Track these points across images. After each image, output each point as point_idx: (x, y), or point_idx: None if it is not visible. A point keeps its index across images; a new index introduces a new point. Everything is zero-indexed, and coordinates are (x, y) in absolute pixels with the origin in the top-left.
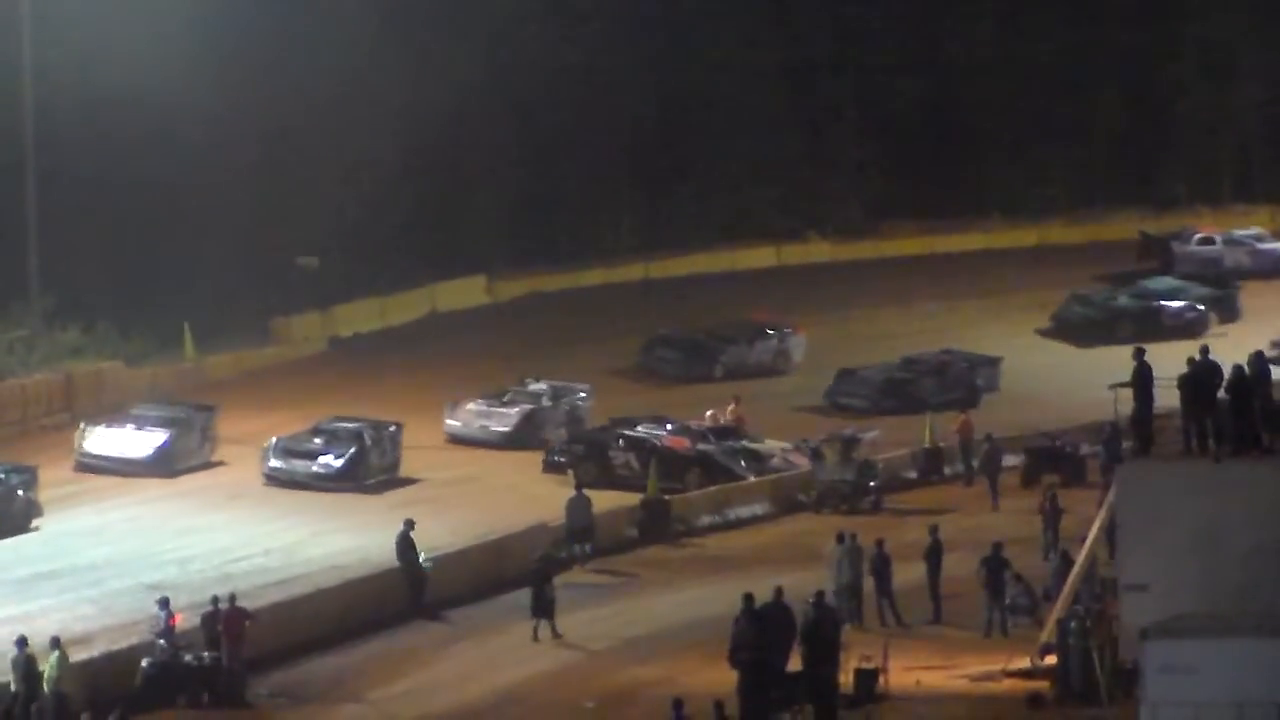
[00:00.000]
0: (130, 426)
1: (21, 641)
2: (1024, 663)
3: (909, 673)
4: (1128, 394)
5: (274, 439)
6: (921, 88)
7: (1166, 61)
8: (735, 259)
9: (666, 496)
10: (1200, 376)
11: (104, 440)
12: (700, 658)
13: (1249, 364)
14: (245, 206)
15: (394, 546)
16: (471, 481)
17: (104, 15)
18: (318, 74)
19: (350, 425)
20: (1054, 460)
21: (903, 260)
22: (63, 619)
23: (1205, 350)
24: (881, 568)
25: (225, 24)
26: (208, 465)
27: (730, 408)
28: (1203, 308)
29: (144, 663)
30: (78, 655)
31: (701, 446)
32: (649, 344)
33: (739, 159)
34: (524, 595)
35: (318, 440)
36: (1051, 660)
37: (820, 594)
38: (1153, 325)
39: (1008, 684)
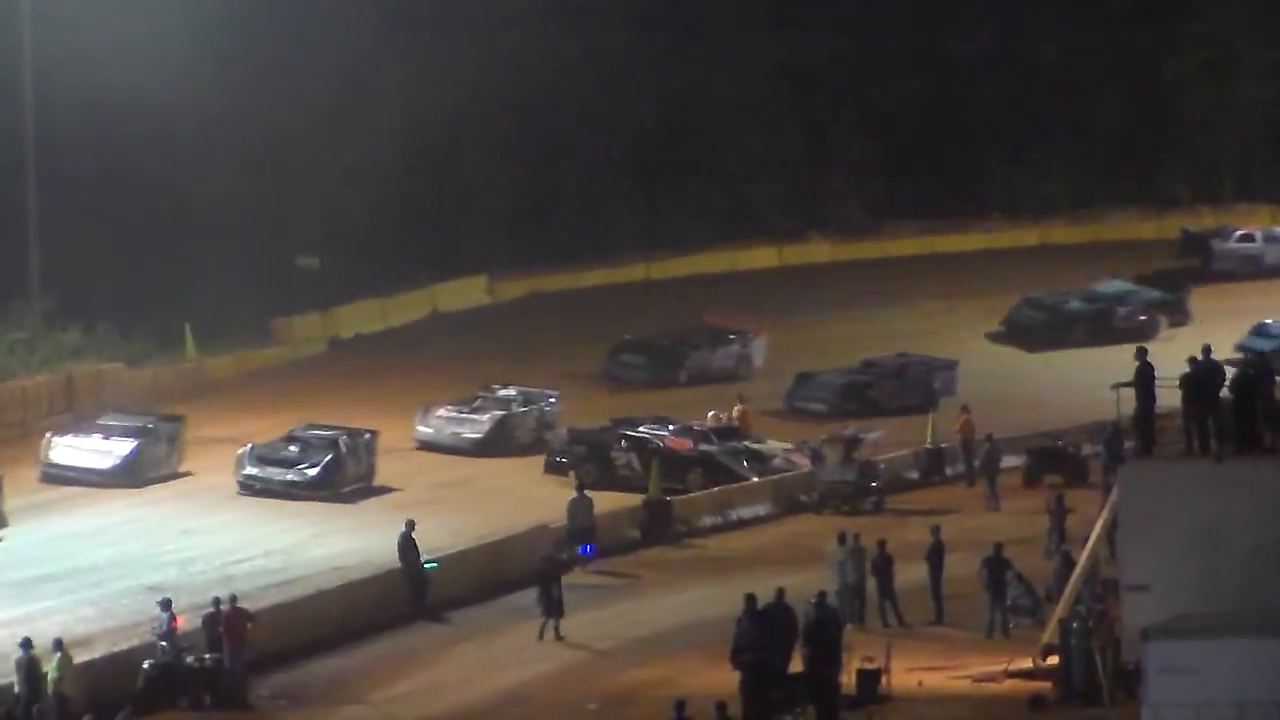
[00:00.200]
0: (97, 436)
1: (26, 643)
2: (1026, 663)
3: (911, 673)
4: (1129, 394)
5: (249, 446)
6: (922, 88)
7: (1167, 61)
8: (736, 259)
9: (668, 497)
10: (1202, 376)
11: (69, 451)
12: (702, 659)
13: (1246, 362)
14: (245, 207)
15: (395, 547)
16: (471, 483)
17: (104, 15)
18: (317, 74)
19: (325, 433)
20: (1056, 460)
21: (904, 260)
22: (64, 621)
23: (1207, 350)
24: (883, 568)
25: (225, 24)
26: (175, 475)
27: (736, 408)
28: (1152, 312)
29: (145, 664)
30: (79, 657)
31: (703, 447)
32: (614, 350)
33: (739, 159)
34: (526, 596)
35: (293, 448)
36: (1053, 661)
37: (822, 595)
38: (1105, 328)
39: (1010, 685)
